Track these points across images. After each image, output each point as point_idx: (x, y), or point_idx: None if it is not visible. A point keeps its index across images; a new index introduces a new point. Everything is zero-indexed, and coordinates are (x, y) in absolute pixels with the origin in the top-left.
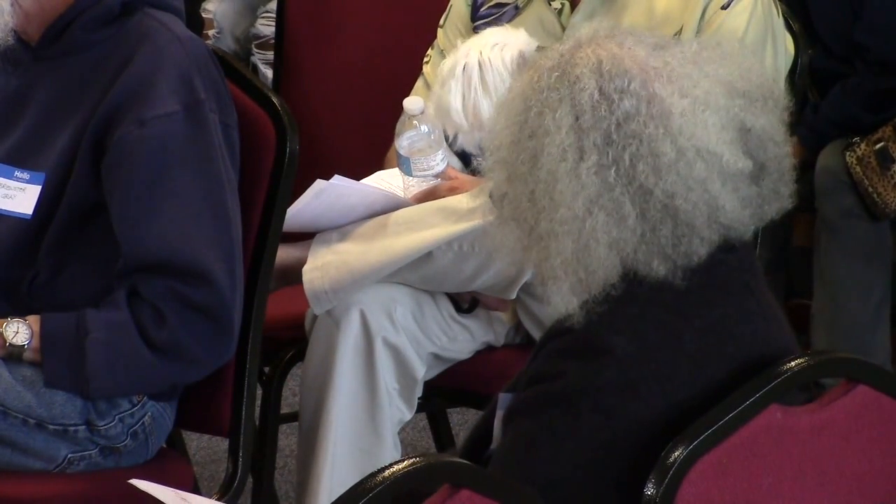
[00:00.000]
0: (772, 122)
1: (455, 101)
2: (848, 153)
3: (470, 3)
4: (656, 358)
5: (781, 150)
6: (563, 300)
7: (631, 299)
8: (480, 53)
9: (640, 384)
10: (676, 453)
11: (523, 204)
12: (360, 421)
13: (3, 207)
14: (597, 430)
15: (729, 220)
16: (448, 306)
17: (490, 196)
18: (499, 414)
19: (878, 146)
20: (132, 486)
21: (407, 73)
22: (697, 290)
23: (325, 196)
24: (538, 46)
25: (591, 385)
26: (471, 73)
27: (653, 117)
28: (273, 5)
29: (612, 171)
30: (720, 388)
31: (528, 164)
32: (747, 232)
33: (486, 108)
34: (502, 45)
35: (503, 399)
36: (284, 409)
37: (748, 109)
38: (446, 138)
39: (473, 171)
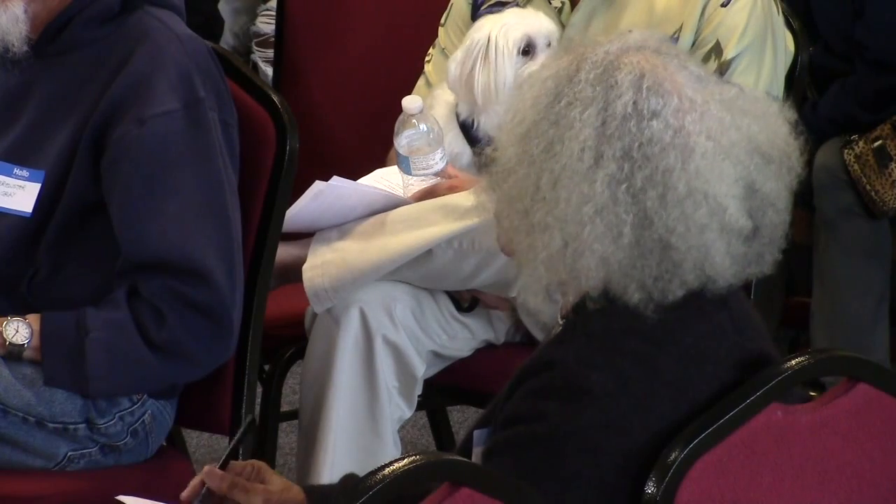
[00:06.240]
0: (779, 188)
1: (454, 69)
2: (846, 151)
3: (471, 1)
4: (636, 392)
5: (779, 218)
6: (533, 293)
7: (606, 332)
8: (490, 30)
9: (623, 420)
10: (676, 452)
11: (524, 187)
12: (359, 419)
13: (3, 205)
14: (584, 470)
15: (714, 272)
16: (448, 304)
17: (494, 166)
18: (476, 451)
19: (877, 144)
20: (132, 483)
21: (408, 72)
22: (673, 312)
23: (324, 197)
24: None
25: (573, 427)
26: (476, 46)
27: (675, 148)
28: (273, 3)
29: (623, 187)
30: (705, 410)
31: (542, 151)
32: (724, 287)
33: (481, 81)
34: (511, 25)
35: (478, 435)
36: (284, 407)
37: (762, 171)
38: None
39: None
